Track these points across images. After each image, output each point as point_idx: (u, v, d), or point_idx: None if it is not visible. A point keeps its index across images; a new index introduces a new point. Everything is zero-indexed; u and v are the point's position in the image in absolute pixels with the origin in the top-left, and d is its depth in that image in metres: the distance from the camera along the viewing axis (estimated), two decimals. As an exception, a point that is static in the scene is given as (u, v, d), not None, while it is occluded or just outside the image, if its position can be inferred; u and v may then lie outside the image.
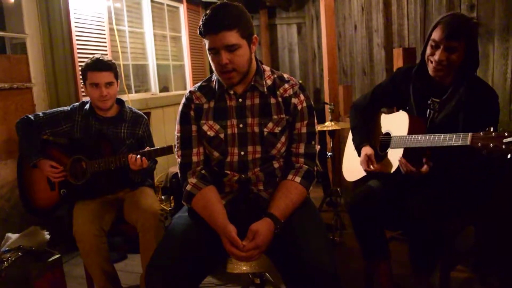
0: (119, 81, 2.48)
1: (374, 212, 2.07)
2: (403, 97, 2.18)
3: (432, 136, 1.83)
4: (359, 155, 2.26)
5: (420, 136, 1.91)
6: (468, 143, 1.66)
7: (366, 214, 2.08)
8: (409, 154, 1.99)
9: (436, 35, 1.92)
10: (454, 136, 1.72)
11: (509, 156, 1.55)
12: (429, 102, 2.06)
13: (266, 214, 1.62)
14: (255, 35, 1.70)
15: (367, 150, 2.21)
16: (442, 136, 1.78)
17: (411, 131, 2.01)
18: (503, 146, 1.55)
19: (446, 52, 1.89)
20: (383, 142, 2.22)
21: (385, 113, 2.32)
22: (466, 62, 1.92)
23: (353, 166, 2.41)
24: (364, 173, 2.26)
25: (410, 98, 2.13)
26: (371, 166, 2.17)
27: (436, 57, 1.91)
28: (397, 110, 2.30)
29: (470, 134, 1.66)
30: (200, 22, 1.62)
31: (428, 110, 2.07)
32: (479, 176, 1.95)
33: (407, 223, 1.99)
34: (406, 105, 2.18)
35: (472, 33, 1.92)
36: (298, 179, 1.72)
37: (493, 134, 1.59)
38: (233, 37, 1.58)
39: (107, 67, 2.38)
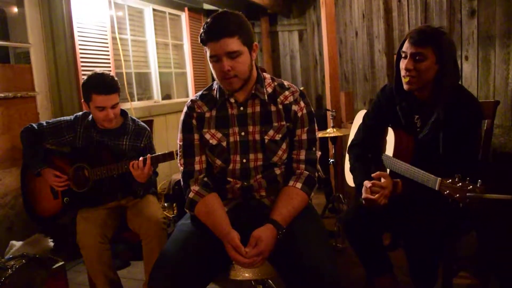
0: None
1: (366, 228, 2.05)
2: (394, 116, 2.11)
3: (411, 168, 1.84)
4: (359, 192, 2.03)
5: (402, 164, 1.91)
6: (436, 188, 1.68)
7: (359, 230, 2.07)
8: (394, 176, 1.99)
9: (404, 46, 1.91)
10: (427, 177, 1.74)
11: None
12: (415, 120, 2.03)
13: (268, 220, 1.63)
14: (256, 43, 1.71)
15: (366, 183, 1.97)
16: (418, 173, 1.80)
17: (397, 150, 2.00)
18: (467, 200, 1.55)
19: (413, 60, 1.87)
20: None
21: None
22: (443, 76, 1.87)
23: None
24: None
25: (399, 116, 2.09)
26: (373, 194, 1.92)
27: (404, 65, 1.90)
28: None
29: (439, 180, 1.67)
30: (201, 30, 1.63)
31: (418, 129, 2.04)
32: None
33: (403, 241, 1.99)
34: (399, 124, 2.14)
35: (441, 41, 1.85)
36: (299, 185, 1.72)
37: (459, 184, 1.59)
38: (234, 44, 1.59)
39: (113, 89, 2.30)
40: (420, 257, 1.92)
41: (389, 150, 2.07)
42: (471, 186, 1.55)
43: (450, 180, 1.63)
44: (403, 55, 1.93)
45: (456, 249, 2.02)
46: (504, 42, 2.58)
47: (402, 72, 1.93)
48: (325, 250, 1.61)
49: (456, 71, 1.94)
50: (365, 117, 2.26)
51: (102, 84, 2.28)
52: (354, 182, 2.13)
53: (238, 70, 1.63)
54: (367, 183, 1.94)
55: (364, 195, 1.93)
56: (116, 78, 2.37)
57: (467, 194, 1.54)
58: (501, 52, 2.61)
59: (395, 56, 2.03)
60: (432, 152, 1.91)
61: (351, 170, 2.20)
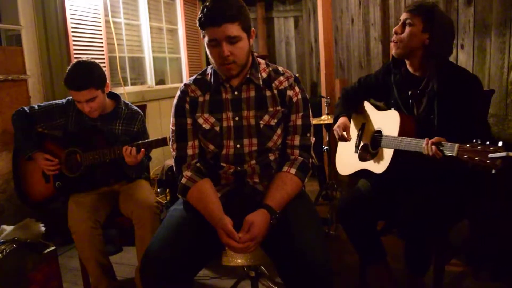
0: (107, 83, 2.33)
1: (362, 215, 2.07)
2: (386, 90, 2.21)
3: (421, 142, 1.82)
4: (335, 123, 2.35)
5: (410, 139, 1.90)
6: (454, 154, 1.66)
7: (355, 217, 2.09)
8: (399, 155, 1.98)
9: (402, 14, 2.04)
10: (443, 145, 1.72)
11: (493, 171, 1.54)
12: (409, 93, 2.07)
13: (262, 205, 1.62)
14: (253, 29, 1.69)
15: (345, 119, 2.30)
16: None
17: (402, 131, 2.00)
18: (488, 161, 1.54)
19: (402, 25, 1.99)
20: (375, 139, 2.22)
21: (378, 109, 2.31)
22: (430, 45, 1.95)
23: (346, 160, 2.42)
24: (358, 168, 2.26)
25: (393, 90, 2.15)
26: (344, 135, 2.25)
27: (394, 29, 2.02)
28: (385, 104, 2.31)
29: (457, 145, 1.66)
30: (200, 14, 1.61)
31: (411, 101, 2.08)
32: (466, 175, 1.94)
33: (400, 226, 1.99)
34: (390, 98, 2.19)
35: (432, 12, 1.94)
36: (293, 170, 1.72)
37: (479, 147, 1.58)
38: (235, 29, 1.58)
39: (84, 86, 2.18)
40: (416, 243, 1.93)
41: (389, 131, 2.07)
42: (492, 147, 1.55)
43: (469, 145, 1.62)
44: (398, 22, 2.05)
45: (449, 236, 2.03)
46: (500, 31, 2.57)
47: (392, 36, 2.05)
48: (317, 236, 1.60)
49: (447, 45, 1.99)
50: (362, 78, 2.39)
51: (73, 79, 2.21)
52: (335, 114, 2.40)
53: (237, 56, 1.62)
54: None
55: (339, 131, 2.26)
56: (96, 71, 2.25)
57: (489, 155, 1.54)
58: (497, 41, 2.60)
59: (391, 44, 2.06)
60: (432, 128, 1.94)
61: (336, 105, 2.48)
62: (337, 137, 2.30)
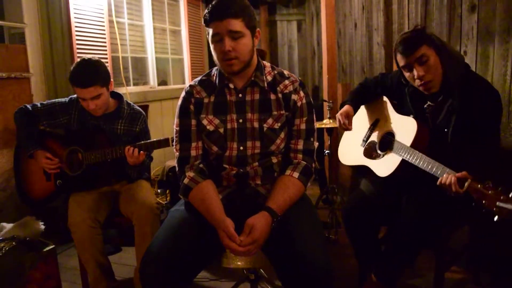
0: (111, 81, 2.34)
1: (367, 218, 2.07)
2: (399, 97, 2.20)
3: (432, 164, 1.81)
4: (340, 108, 2.32)
5: (422, 156, 1.87)
6: (464, 189, 1.64)
7: (360, 220, 2.09)
8: (406, 163, 1.97)
9: (401, 61, 1.95)
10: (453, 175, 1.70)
11: (495, 218, 1.53)
12: (425, 106, 2.05)
13: (263, 208, 1.62)
14: (258, 29, 1.70)
15: (349, 107, 2.27)
16: (442, 169, 1.77)
17: (416, 141, 1.98)
18: (494, 208, 1.53)
19: (420, 65, 1.89)
20: (386, 140, 2.20)
21: (396, 110, 2.29)
22: (446, 62, 1.91)
23: (350, 151, 2.42)
24: (361, 163, 2.25)
25: (406, 101, 2.13)
26: (345, 124, 2.23)
27: (416, 75, 1.91)
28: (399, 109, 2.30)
29: (468, 181, 1.64)
30: (206, 11, 1.63)
31: (426, 114, 2.05)
32: None
33: (399, 226, 1.98)
34: (404, 107, 2.17)
35: (427, 35, 1.91)
36: (296, 174, 1.71)
37: (490, 191, 1.56)
38: (237, 25, 1.59)
39: (90, 82, 2.20)
40: (415, 246, 1.92)
41: (403, 137, 2.06)
42: (503, 197, 1.52)
43: (480, 185, 1.59)
44: (405, 70, 1.96)
45: (449, 243, 2.03)
46: (504, 38, 2.57)
47: (416, 82, 1.94)
48: (318, 239, 1.60)
49: (454, 54, 1.96)
50: (382, 75, 2.37)
51: (79, 76, 2.22)
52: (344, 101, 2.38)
53: (239, 52, 1.62)
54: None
55: (341, 119, 2.24)
56: (102, 69, 2.27)
57: (497, 203, 1.52)
58: (500, 48, 2.60)
59: (420, 87, 2.00)
60: (446, 141, 1.92)
61: (350, 92, 2.45)
62: (338, 124, 2.27)
